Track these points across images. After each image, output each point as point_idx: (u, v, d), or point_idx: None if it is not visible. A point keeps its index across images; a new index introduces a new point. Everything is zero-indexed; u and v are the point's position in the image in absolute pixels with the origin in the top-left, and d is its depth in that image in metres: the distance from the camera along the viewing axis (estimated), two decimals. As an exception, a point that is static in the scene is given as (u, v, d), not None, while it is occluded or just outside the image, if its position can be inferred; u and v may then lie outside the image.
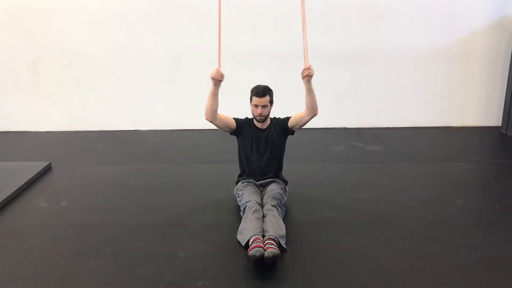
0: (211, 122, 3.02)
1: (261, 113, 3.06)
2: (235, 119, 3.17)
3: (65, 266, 2.48)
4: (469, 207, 3.23)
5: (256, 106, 3.05)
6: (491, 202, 3.32)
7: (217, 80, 2.89)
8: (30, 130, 5.58)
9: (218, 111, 3.01)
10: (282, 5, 5.17)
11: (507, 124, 5.22)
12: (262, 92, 3.01)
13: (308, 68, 2.85)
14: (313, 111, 2.98)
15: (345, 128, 5.59)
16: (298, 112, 3.08)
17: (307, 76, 2.86)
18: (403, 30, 5.31)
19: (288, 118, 3.16)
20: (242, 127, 3.17)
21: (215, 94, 2.93)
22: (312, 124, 5.56)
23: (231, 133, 3.20)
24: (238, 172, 3.34)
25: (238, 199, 3.08)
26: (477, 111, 5.61)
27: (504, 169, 4.04)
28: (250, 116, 3.22)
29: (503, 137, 5.19)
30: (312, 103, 2.94)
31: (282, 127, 3.16)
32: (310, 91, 2.92)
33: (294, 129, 3.16)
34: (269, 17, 5.23)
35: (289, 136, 3.26)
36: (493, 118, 5.61)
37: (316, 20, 5.25)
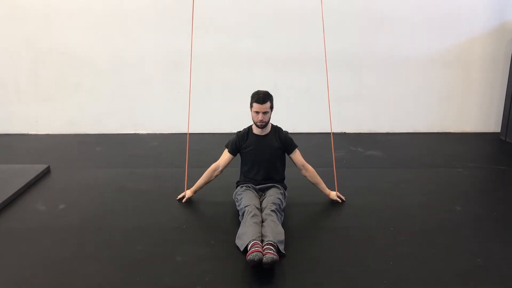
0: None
1: (262, 120, 3.07)
2: (227, 148, 3.27)
3: (63, 270, 2.48)
4: (468, 213, 3.23)
5: (257, 112, 3.05)
6: (490, 208, 3.32)
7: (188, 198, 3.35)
8: (29, 132, 5.57)
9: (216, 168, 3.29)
10: (282, 9, 5.19)
11: (506, 130, 5.23)
12: (262, 98, 3.02)
13: (341, 199, 3.37)
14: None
15: (344, 133, 5.59)
16: (300, 156, 3.29)
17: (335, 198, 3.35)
18: (402, 35, 5.32)
19: (295, 147, 3.25)
20: (238, 147, 3.22)
21: (200, 187, 3.37)
22: (311, 129, 5.53)
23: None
24: (237, 176, 3.35)
25: (237, 204, 3.08)
26: (476, 117, 5.62)
27: (503, 175, 4.04)
28: (247, 124, 3.26)
29: (502, 143, 5.19)
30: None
31: (284, 146, 3.22)
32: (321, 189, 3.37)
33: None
34: (269, 21, 5.25)
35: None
36: (492, 124, 5.62)
37: (316, 25, 5.26)
